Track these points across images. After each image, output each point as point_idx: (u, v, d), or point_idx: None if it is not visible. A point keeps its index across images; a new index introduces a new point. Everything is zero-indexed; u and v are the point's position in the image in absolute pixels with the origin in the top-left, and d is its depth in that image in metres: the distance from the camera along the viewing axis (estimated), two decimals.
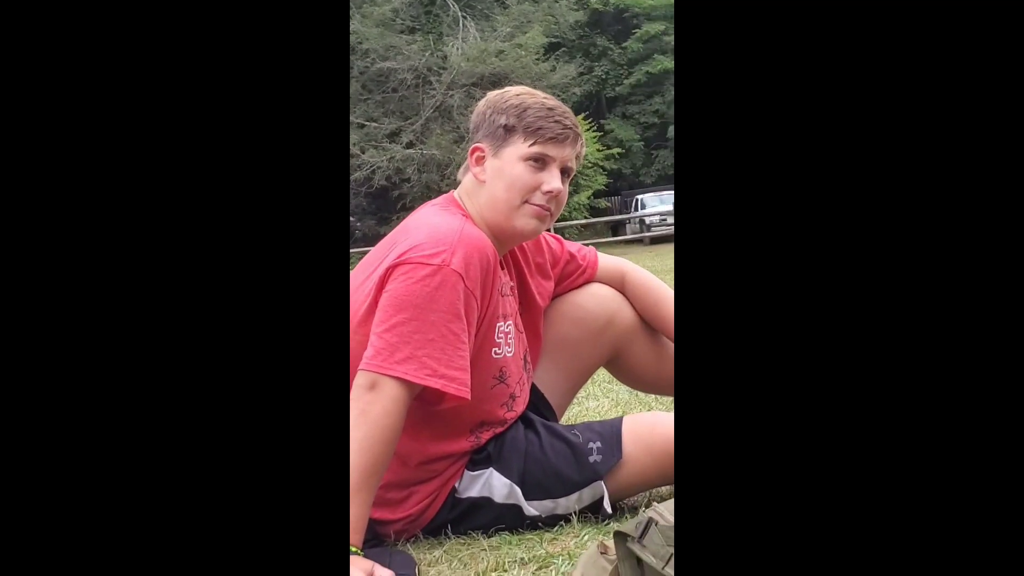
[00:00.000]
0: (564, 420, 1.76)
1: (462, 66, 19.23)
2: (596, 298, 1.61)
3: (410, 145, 19.37)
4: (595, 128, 21.74)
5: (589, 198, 20.93)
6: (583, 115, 21.48)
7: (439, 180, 18.41)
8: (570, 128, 1.39)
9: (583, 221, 19.27)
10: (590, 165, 20.83)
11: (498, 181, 1.38)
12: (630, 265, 1.66)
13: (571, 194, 22.77)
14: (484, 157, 1.41)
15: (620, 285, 1.64)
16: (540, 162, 1.37)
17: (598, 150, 21.26)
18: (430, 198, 1.53)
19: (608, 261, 1.65)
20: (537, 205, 1.37)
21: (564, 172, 1.40)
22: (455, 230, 1.30)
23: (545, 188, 1.37)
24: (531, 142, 1.36)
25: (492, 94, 1.45)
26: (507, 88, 1.45)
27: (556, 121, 1.37)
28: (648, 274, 1.65)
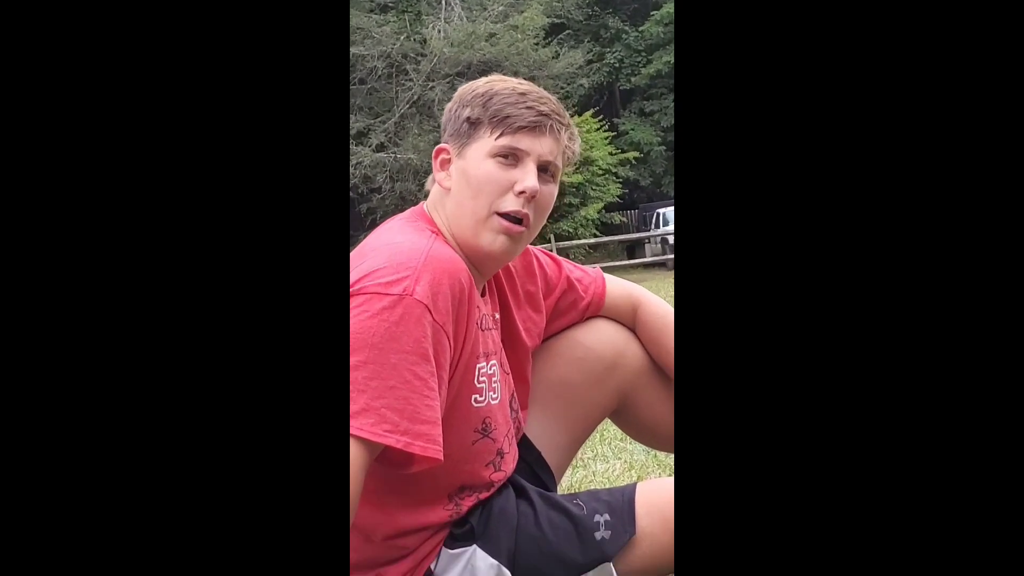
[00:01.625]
0: (565, 487, 1.75)
1: (445, 52, 19.40)
2: (600, 334, 1.62)
3: (381, 148, 19.47)
4: (606, 127, 21.92)
5: (599, 212, 21.03)
6: (592, 111, 21.70)
7: (417, 191, 18.48)
8: (547, 115, 1.37)
9: (592, 240, 19.37)
10: (601, 172, 20.96)
11: (464, 186, 1.38)
12: (645, 294, 1.66)
13: (576, 207, 22.70)
14: (449, 160, 1.41)
15: (631, 318, 1.64)
16: (511, 157, 1.36)
17: (610, 154, 21.40)
18: None
19: (618, 289, 1.65)
20: (507, 217, 1.36)
21: (544, 170, 1.39)
22: (420, 250, 1.29)
23: (518, 187, 1.35)
24: (498, 133, 1.36)
25: (462, 87, 1.45)
26: (479, 80, 1.45)
27: (528, 107, 1.36)
28: (666, 306, 1.64)
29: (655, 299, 1.65)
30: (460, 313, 1.32)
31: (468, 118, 1.38)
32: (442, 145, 1.43)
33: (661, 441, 1.73)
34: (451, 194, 1.40)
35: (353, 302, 1.26)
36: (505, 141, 1.35)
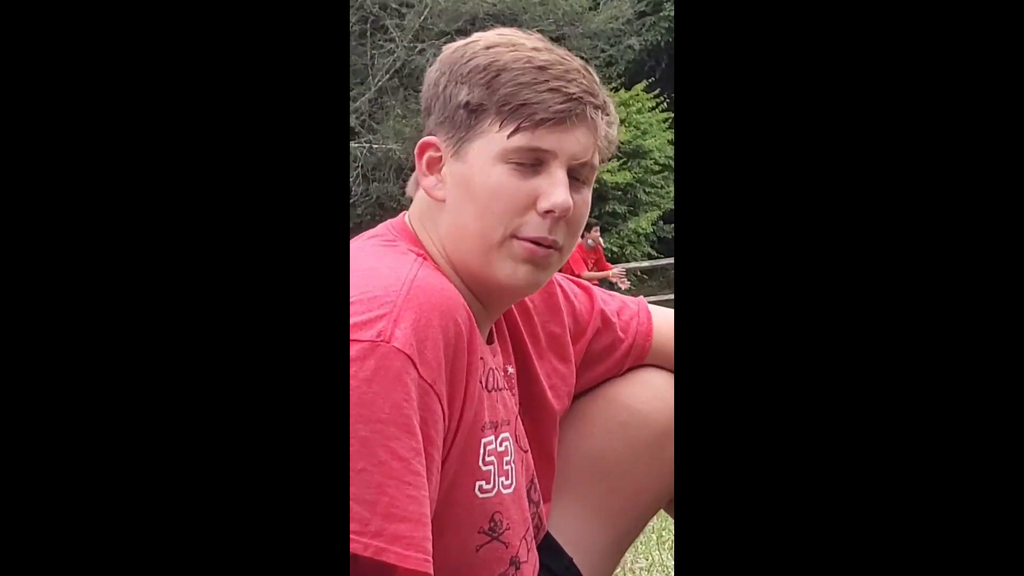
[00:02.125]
0: None
1: (439, 2, 19.50)
2: (648, 389, 1.63)
3: (351, 135, 19.49)
4: (664, 105, 21.92)
5: (654, 224, 20.98)
6: (645, 83, 21.70)
7: (400, 195, 18.44)
8: (577, 99, 1.36)
9: (645, 263, 19.31)
10: (657, 169, 20.92)
11: (465, 200, 1.37)
12: None
13: (623, 217, 22.41)
14: (440, 159, 1.40)
15: None
16: (532, 162, 1.36)
17: (670, 142, 21.33)
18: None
19: (669, 325, 1.65)
20: (530, 240, 1.35)
21: (575, 176, 1.39)
22: (400, 280, 1.30)
23: (544, 205, 1.35)
24: (511, 128, 1.34)
25: (450, 48, 1.42)
26: (476, 37, 1.42)
27: (552, 89, 1.35)
28: None
29: None
30: (457, 366, 1.32)
31: (467, 104, 1.36)
32: (429, 138, 1.41)
33: None
34: (446, 208, 1.39)
35: None
36: (522, 140, 1.34)
